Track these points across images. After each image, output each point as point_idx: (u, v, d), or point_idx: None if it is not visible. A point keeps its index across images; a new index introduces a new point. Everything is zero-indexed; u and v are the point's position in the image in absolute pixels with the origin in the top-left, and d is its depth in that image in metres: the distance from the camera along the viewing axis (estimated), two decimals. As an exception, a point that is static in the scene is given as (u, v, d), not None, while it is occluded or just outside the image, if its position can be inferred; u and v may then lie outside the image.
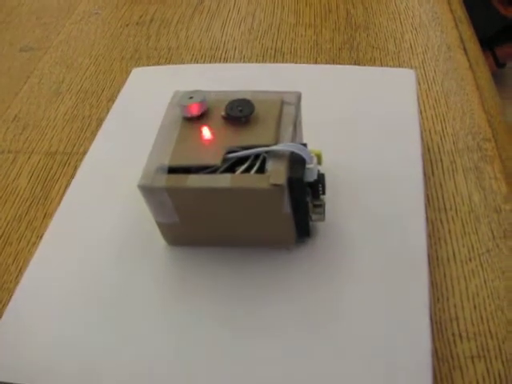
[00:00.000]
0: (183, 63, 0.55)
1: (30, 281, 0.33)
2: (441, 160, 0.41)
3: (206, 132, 0.31)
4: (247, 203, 0.30)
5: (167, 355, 0.29)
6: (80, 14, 0.65)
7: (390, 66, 0.51)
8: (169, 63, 0.55)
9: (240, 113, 0.31)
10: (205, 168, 0.30)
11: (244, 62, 0.54)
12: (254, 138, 0.30)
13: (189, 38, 0.58)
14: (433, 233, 0.36)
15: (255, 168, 0.29)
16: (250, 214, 0.30)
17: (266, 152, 0.30)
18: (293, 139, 0.30)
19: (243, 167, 0.29)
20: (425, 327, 0.28)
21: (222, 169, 0.30)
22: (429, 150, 0.42)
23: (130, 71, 0.46)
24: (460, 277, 0.34)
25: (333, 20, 0.58)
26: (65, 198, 0.37)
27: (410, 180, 0.35)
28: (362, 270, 0.31)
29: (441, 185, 0.39)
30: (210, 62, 0.55)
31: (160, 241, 0.33)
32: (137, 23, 0.62)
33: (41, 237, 0.36)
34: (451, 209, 0.38)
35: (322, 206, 0.32)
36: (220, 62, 0.55)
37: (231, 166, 0.30)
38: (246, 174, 0.29)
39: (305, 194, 0.30)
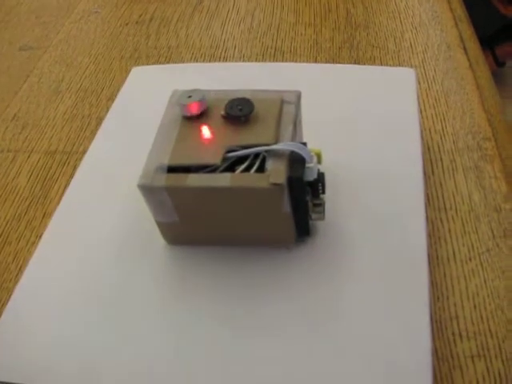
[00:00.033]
0: (183, 62, 0.55)
1: (29, 280, 0.33)
2: (441, 159, 0.41)
3: (206, 131, 0.31)
4: (247, 202, 0.30)
5: (167, 354, 0.29)
6: (79, 13, 0.65)
7: (390, 65, 0.51)
8: (168, 62, 0.55)
9: (240, 112, 0.31)
10: (204, 167, 0.30)
11: (244, 60, 0.54)
12: (254, 137, 0.30)
13: (189, 37, 0.58)
14: (433, 232, 0.36)
15: (255, 167, 0.29)
16: (250, 214, 0.30)
17: (266, 151, 0.29)
18: (293, 138, 0.30)
19: (243, 166, 0.29)
20: (425, 326, 0.28)
21: (221, 168, 0.29)
22: (429, 149, 0.42)
23: (130, 70, 0.46)
24: (460, 276, 0.34)
25: (333, 19, 0.58)
26: (64, 197, 0.37)
27: (410, 179, 0.35)
28: (362, 269, 0.31)
29: (441, 184, 0.39)
30: (210, 61, 0.55)
31: (160, 240, 0.33)
32: (136, 22, 0.62)
33: (40, 236, 0.35)
34: (451, 208, 0.38)
35: (321, 205, 0.32)
36: (220, 60, 0.55)
37: (231, 166, 0.30)
38: (246, 173, 0.29)
39: (305, 193, 0.30)
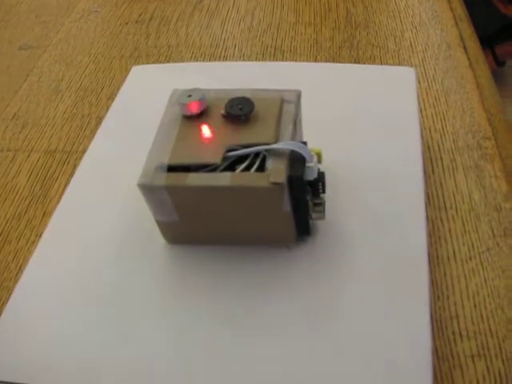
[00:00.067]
0: (183, 61, 0.55)
1: (29, 279, 0.33)
2: (441, 158, 0.41)
3: (206, 130, 0.31)
4: (247, 202, 0.30)
5: (167, 353, 0.29)
6: (79, 12, 0.65)
7: (390, 65, 0.51)
8: (168, 61, 0.55)
9: (240, 111, 0.31)
10: (205, 166, 0.29)
11: (244, 60, 0.54)
12: (254, 136, 0.30)
13: (189, 36, 0.58)
14: (433, 231, 0.36)
15: (255, 166, 0.29)
16: (250, 213, 0.30)
17: (266, 150, 0.29)
18: (293, 137, 0.30)
19: (243, 165, 0.29)
20: (425, 326, 0.28)
21: (221, 167, 0.29)
22: (429, 148, 0.42)
23: (130, 69, 0.46)
24: (460, 275, 0.34)
25: (333, 18, 0.58)
26: (64, 196, 0.37)
27: (410, 178, 0.35)
28: (362, 269, 0.31)
29: (441, 183, 0.39)
30: (210, 60, 0.55)
31: (160, 239, 0.33)
32: (136, 21, 0.62)
33: (40, 235, 0.35)
34: (451, 207, 0.38)
35: (322, 204, 0.32)
36: (220, 59, 0.54)
37: (231, 165, 0.30)
38: (246, 173, 0.29)
39: (305, 192, 0.30)
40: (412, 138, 0.37)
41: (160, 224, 0.32)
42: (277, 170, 0.28)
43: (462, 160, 0.41)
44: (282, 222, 0.31)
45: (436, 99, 0.47)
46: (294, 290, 0.30)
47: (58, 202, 0.37)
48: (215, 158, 0.29)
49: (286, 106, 0.32)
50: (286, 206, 0.30)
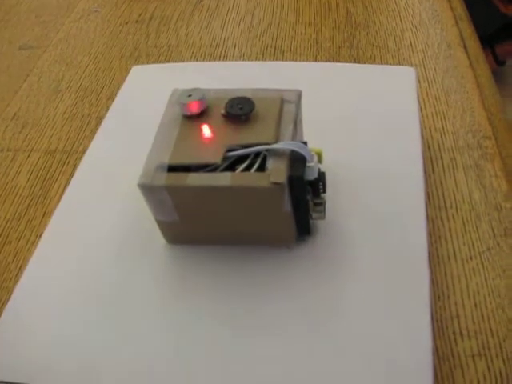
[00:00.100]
0: (183, 61, 0.55)
1: (29, 280, 0.33)
2: (441, 158, 0.41)
3: (206, 130, 0.31)
4: (247, 202, 0.30)
5: (167, 353, 0.29)
6: (79, 12, 0.65)
7: (390, 64, 0.51)
8: (168, 61, 0.55)
9: (240, 111, 0.31)
10: (205, 166, 0.29)
11: (244, 59, 0.54)
12: (255, 136, 0.30)
13: (189, 36, 0.58)
14: (433, 231, 0.36)
15: (255, 166, 0.29)
16: (251, 213, 0.30)
17: (267, 150, 0.29)
18: (293, 137, 0.30)
19: (243, 165, 0.29)
20: (425, 325, 0.28)
21: (222, 167, 0.29)
22: (429, 147, 0.42)
23: (130, 69, 0.46)
24: (461, 275, 0.34)
25: (333, 18, 0.58)
26: (64, 196, 0.37)
27: (411, 178, 0.35)
28: (363, 268, 0.31)
29: (441, 183, 0.39)
30: (210, 60, 0.55)
31: (160, 239, 0.33)
32: (136, 21, 0.62)
33: (40, 236, 0.35)
34: (452, 207, 0.38)
35: (322, 204, 0.31)
36: (220, 59, 0.54)
37: (231, 165, 0.30)
38: (247, 173, 0.29)
39: (305, 192, 0.30)
40: (412, 137, 0.37)
41: (160, 224, 0.32)
42: (277, 170, 0.28)
43: (462, 159, 0.41)
44: (283, 221, 0.31)
45: (436, 99, 0.47)
46: (295, 290, 0.30)
47: (58, 202, 0.37)
48: (215, 157, 0.29)
49: (287, 105, 0.32)
50: (287, 205, 0.30)
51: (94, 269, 0.33)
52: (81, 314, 0.31)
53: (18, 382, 0.29)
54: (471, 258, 0.35)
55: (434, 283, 0.34)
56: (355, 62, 0.52)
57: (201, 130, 0.31)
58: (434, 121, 0.44)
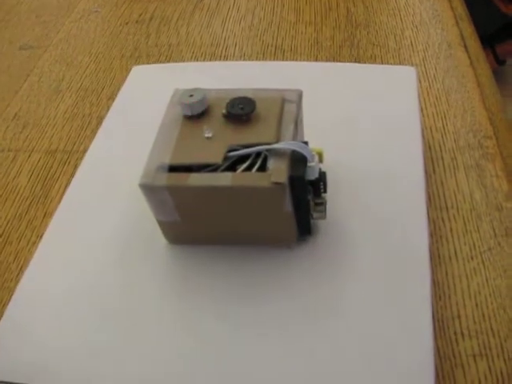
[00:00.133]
0: (183, 60, 0.55)
1: (29, 281, 0.33)
2: (442, 158, 0.41)
3: (207, 130, 0.31)
4: (248, 201, 0.30)
5: (167, 354, 0.29)
6: (80, 12, 0.64)
7: (391, 64, 0.51)
8: (169, 61, 0.55)
9: (241, 111, 0.31)
10: (206, 166, 0.29)
11: (244, 59, 0.54)
12: (255, 136, 0.30)
13: (189, 35, 0.58)
14: (434, 231, 0.36)
15: (256, 166, 0.29)
16: (251, 213, 0.30)
17: (267, 150, 0.29)
18: (294, 137, 0.30)
19: (244, 165, 0.29)
20: (427, 325, 0.28)
21: (223, 167, 0.29)
22: (430, 147, 0.42)
23: (130, 69, 0.46)
24: (462, 275, 0.34)
25: (333, 18, 0.58)
26: (65, 196, 0.37)
27: (411, 178, 0.35)
28: (364, 268, 0.31)
29: (442, 183, 0.39)
30: (211, 59, 0.54)
31: (161, 239, 0.33)
32: (136, 21, 0.62)
33: (41, 236, 0.35)
34: (452, 207, 0.38)
35: (323, 204, 0.31)
36: (220, 58, 0.54)
37: (232, 165, 0.30)
38: (247, 173, 0.29)
39: (306, 192, 0.30)
40: (413, 137, 0.37)
41: (161, 224, 0.32)
42: (278, 170, 0.28)
43: (463, 159, 0.41)
44: (284, 221, 0.31)
45: (437, 98, 0.47)
46: (295, 290, 0.30)
47: (59, 202, 0.37)
48: (216, 157, 0.29)
49: (288, 105, 0.32)
50: (288, 205, 0.30)
51: (94, 269, 0.33)
52: (81, 315, 0.31)
53: (18, 382, 0.29)
54: (472, 258, 0.35)
55: (435, 283, 0.34)
56: (356, 61, 0.52)
57: (202, 130, 0.31)
58: (434, 120, 0.44)
